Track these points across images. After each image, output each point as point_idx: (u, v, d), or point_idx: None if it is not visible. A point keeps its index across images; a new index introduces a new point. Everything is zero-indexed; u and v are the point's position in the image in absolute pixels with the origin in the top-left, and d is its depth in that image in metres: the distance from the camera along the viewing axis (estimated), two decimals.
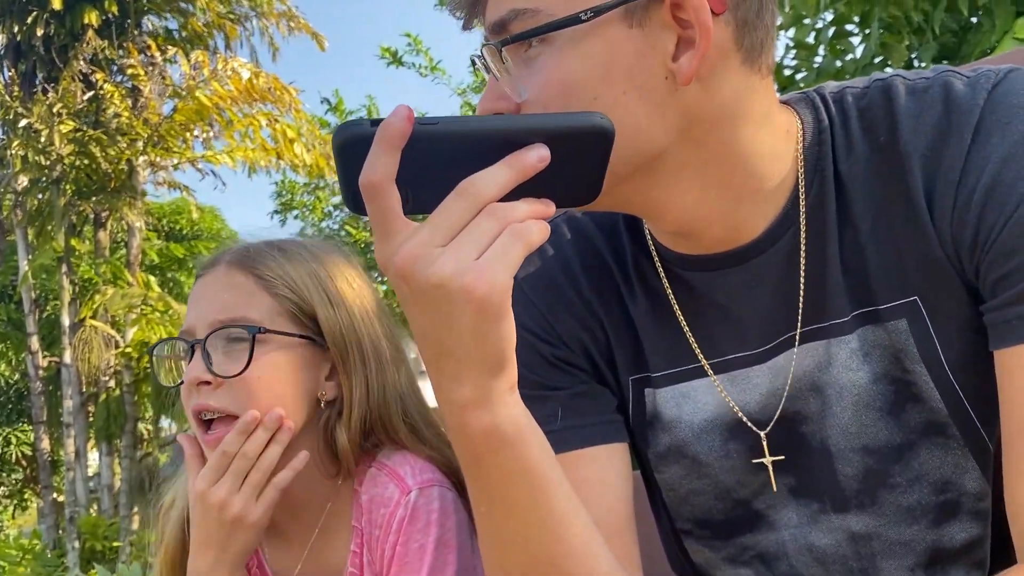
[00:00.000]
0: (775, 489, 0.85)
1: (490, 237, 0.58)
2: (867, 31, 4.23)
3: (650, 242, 0.87)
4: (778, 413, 0.84)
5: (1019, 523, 0.70)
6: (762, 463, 0.85)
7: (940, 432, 0.80)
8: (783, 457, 0.84)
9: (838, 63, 4.43)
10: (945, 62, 4.24)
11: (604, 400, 0.89)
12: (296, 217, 14.39)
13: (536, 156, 0.58)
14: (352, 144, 0.58)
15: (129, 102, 11.41)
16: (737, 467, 0.86)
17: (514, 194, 0.59)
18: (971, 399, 0.79)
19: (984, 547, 0.84)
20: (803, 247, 0.80)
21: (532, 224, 0.59)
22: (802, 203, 0.80)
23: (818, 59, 4.59)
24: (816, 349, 0.81)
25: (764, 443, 0.84)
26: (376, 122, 0.57)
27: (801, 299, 0.81)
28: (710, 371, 0.85)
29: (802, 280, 0.80)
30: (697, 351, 0.85)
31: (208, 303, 1.05)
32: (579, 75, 0.70)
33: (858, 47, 4.49)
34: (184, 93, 11.03)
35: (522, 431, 0.65)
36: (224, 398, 1.01)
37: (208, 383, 1.01)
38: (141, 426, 12.94)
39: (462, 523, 1.02)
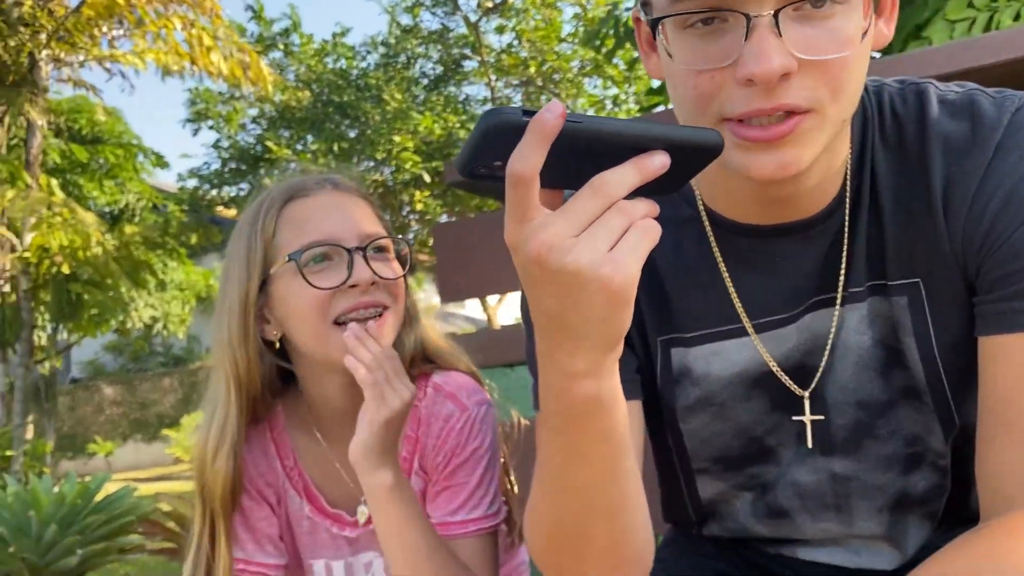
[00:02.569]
0: (810, 445, 0.96)
1: (620, 231, 0.62)
2: None
3: (702, 209, 0.95)
4: (805, 366, 0.94)
5: (988, 485, 0.82)
6: (800, 419, 0.96)
7: (917, 397, 0.92)
8: (822, 417, 0.95)
9: None
10: None
11: (627, 360, 0.95)
12: (211, 127, 13.81)
13: (659, 163, 0.63)
14: (501, 129, 0.61)
15: None
16: (756, 410, 0.97)
17: None
18: (949, 376, 0.90)
19: (940, 501, 0.98)
20: (846, 223, 0.89)
21: (653, 222, 0.64)
22: (848, 183, 0.89)
23: None
24: (836, 313, 0.91)
25: (806, 404, 0.95)
26: (528, 112, 0.60)
27: (840, 269, 0.90)
28: (751, 331, 0.94)
29: (844, 253, 0.90)
30: (740, 313, 0.94)
31: (347, 218, 1.23)
32: (859, 33, 0.76)
33: None
34: None
35: (617, 398, 0.72)
36: (381, 296, 1.21)
37: (374, 284, 1.20)
38: (38, 334, 12.49)
39: (497, 431, 1.31)
